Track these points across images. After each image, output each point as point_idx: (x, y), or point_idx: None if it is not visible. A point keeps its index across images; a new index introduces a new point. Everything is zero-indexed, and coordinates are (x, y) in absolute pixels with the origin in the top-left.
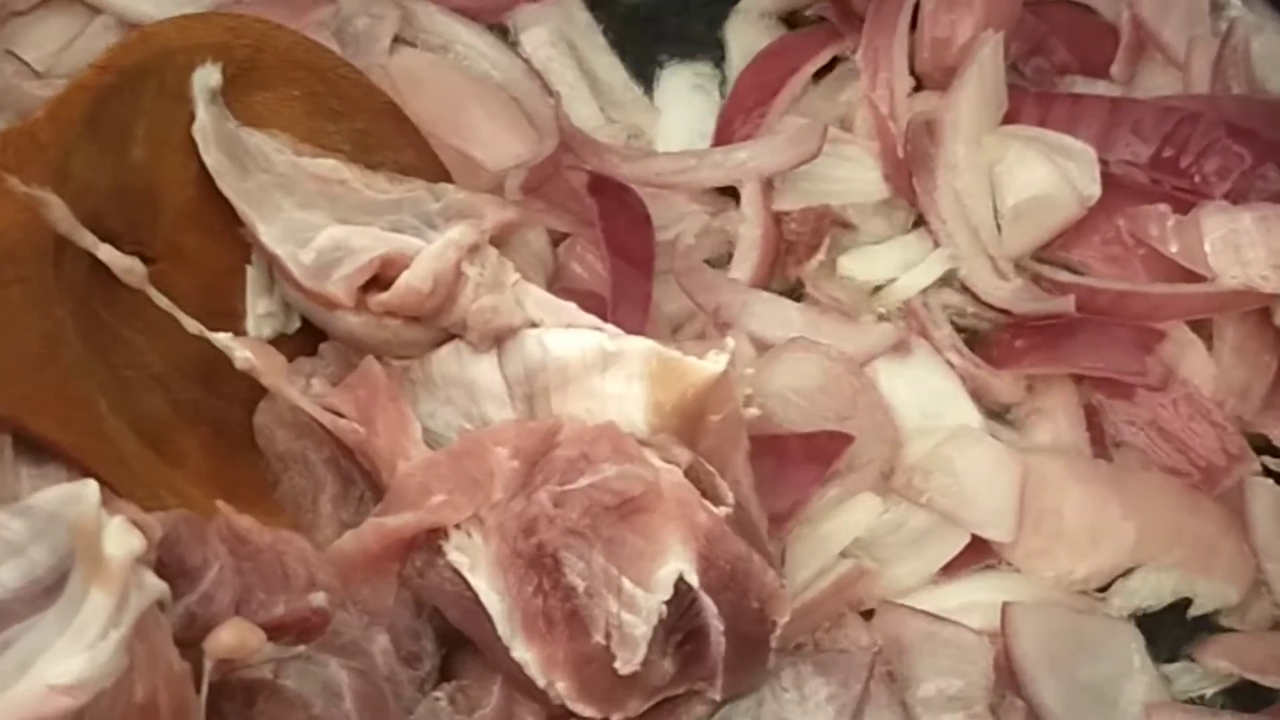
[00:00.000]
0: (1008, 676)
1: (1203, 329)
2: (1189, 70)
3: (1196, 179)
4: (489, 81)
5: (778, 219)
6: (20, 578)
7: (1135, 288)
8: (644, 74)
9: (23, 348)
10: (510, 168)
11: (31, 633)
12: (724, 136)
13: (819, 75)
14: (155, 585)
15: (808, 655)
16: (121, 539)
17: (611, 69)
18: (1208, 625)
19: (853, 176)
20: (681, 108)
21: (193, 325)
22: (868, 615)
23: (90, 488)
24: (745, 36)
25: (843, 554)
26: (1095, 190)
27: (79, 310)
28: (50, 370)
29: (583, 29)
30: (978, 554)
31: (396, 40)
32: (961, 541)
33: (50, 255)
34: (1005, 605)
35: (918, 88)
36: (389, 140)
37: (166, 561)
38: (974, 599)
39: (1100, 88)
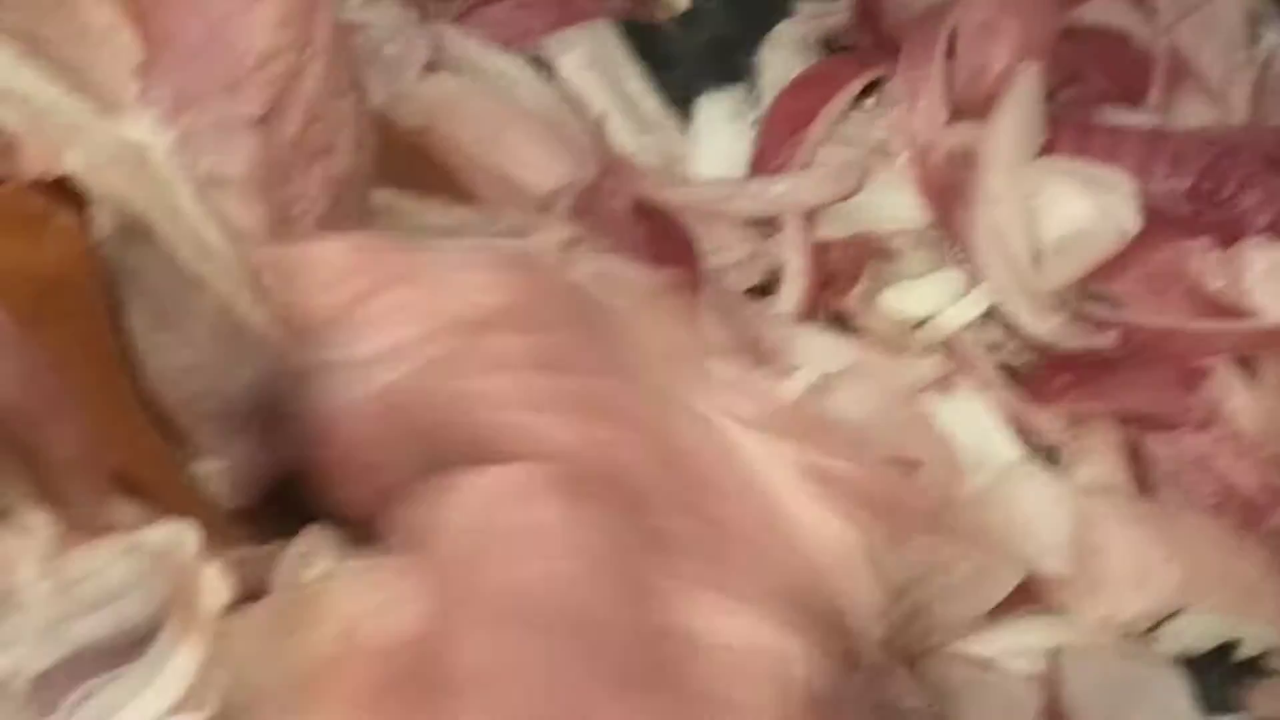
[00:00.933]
0: None
1: (1246, 366)
2: (1227, 100)
3: (1236, 212)
4: (522, 106)
5: (821, 248)
6: (113, 626)
7: (1177, 324)
8: (679, 100)
9: (81, 381)
10: (557, 189)
11: (115, 685)
12: (759, 165)
13: (854, 102)
14: None
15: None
16: (216, 588)
17: (646, 94)
18: (1255, 669)
19: (893, 204)
20: (718, 134)
21: None
22: (911, 662)
23: (190, 531)
24: (778, 63)
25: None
26: (1134, 223)
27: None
28: (108, 403)
29: (617, 54)
30: (1024, 597)
31: (427, 67)
32: (1014, 580)
33: (102, 290)
34: (1054, 650)
35: (954, 116)
36: (422, 176)
37: None
38: (1021, 643)
39: (1137, 117)
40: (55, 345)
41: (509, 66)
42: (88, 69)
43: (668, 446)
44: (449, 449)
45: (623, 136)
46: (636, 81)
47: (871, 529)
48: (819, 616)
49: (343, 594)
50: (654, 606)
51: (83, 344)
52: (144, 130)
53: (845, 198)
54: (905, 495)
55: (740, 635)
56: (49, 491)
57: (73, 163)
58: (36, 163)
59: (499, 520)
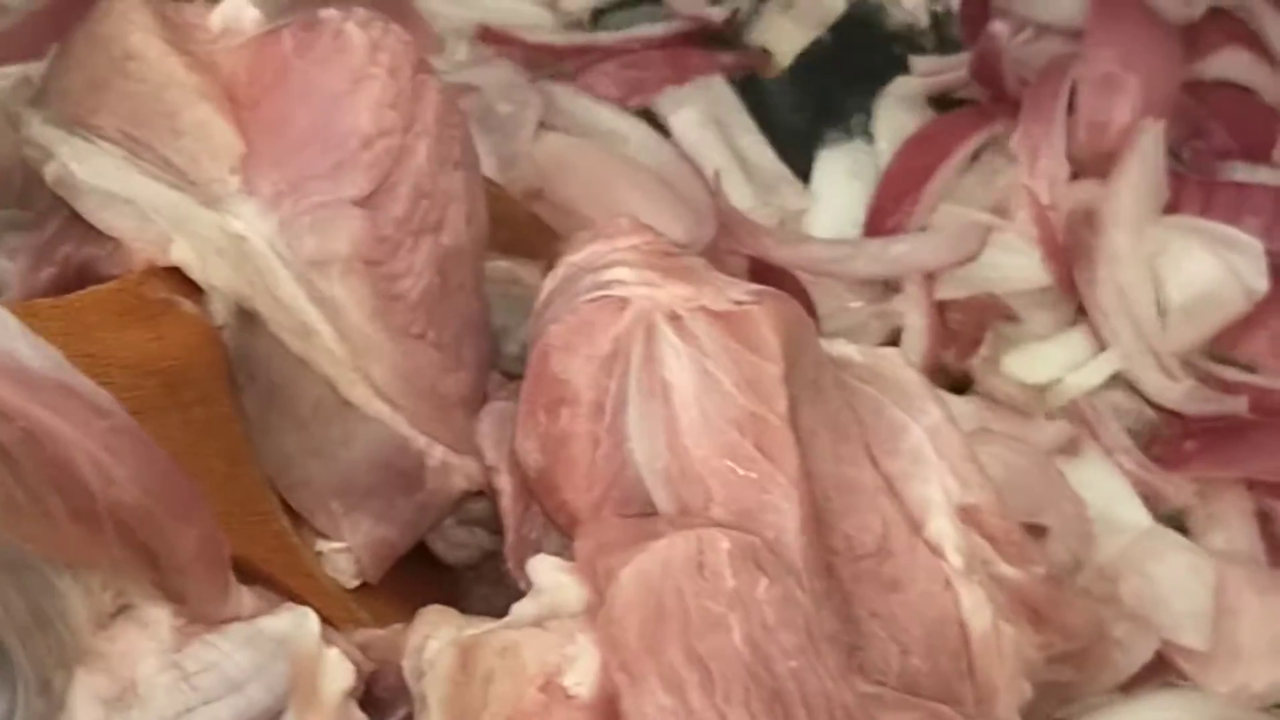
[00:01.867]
0: None
1: None
2: None
3: None
4: (637, 164)
5: (942, 309)
6: (234, 716)
7: None
8: (794, 156)
9: (208, 467)
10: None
11: None
12: (875, 224)
13: (973, 159)
14: None
15: None
16: (337, 674)
17: (761, 150)
18: None
19: (1013, 264)
20: (836, 192)
21: None
22: None
23: (311, 618)
24: (894, 120)
25: None
26: (1263, 284)
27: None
28: (235, 488)
29: (731, 109)
30: (1155, 671)
31: (540, 126)
32: (1150, 650)
33: (225, 375)
34: None
35: (1075, 175)
36: (535, 248)
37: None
38: (1156, 718)
39: (1262, 174)
40: (182, 434)
41: (621, 124)
42: (189, 166)
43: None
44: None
45: (739, 193)
46: (751, 137)
47: (1030, 636)
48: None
49: (538, 645)
50: (841, 686)
51: (209, 430)
52: (244, 220)
53: (966, 261)
54: (1065, 609)
55: None
56: (170, 586)
57: (179, 255)
58: (144, 258)
59: (681, 586)
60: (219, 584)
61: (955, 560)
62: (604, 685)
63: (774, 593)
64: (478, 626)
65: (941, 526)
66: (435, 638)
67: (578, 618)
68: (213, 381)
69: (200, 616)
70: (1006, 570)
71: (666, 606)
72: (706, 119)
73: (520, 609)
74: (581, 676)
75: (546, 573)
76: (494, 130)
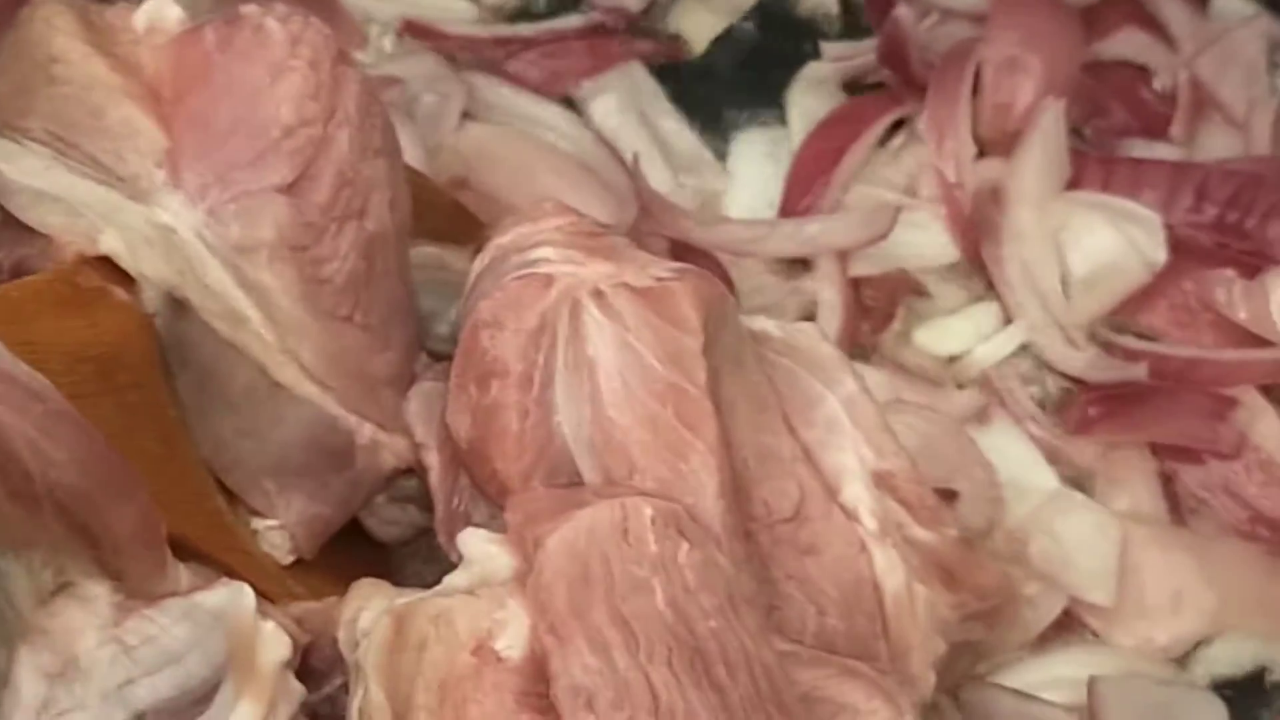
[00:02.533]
0: None
1: (1274, 394)
2: (1249, 130)
3: (1261, 242)
4: (559, 150)
5: (855, 285)
6: (174, 688)
7: (1205, 354)
8: (714, 139)
9: (143, 448)
10: None
11: None
12: (789, 205)
13: (882, 140)
14: (298, 690)
15: None
16: (273, 646)
17: (680, 133)
18: None
19: (923, 241)
20: (753, 173)
21: None
22: (956, 694)
23: (247, 592)
24: (806, 104)
25: None
26: (1162, 256)
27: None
28: (170, 468)
29: (649, 95)
30: (1063, 627)
31: (463, 116)
32: (1057, 608)
33: (158, 360)
34: (1092, 679)
35: (981, 153)
36: (461, 235)
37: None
38: (1060, 674)
39: (1160, 150)
40: (117, 417)
41: (543, 112)
42: (116, 163)
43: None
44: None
45: (659, 176)
46: (670, 121)
47: (943, 595)
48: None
49: (470, 611)
50: (760, 644)
51: (144, 413)
52: (172, 211)
53: (877, 240)
54: (976, 570)
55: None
56: (109, 564)
57: (109, 245)
58: (75, 250)
59: (606, 552)
60: (156, 561)
61: (869, 524)
62: (534, 648)
63: (694, 557)
64: (411, 596)
65: (856, 492)
66: (369, 608)
67: (508, 585)
68: (145, 366)
69: (138, 592)
70: (920, 533)
71: (592, 572)
72: (625, 105)
73: (452, 579)
74: (512, 640)
75: (477, 544)
76: (418, 121)
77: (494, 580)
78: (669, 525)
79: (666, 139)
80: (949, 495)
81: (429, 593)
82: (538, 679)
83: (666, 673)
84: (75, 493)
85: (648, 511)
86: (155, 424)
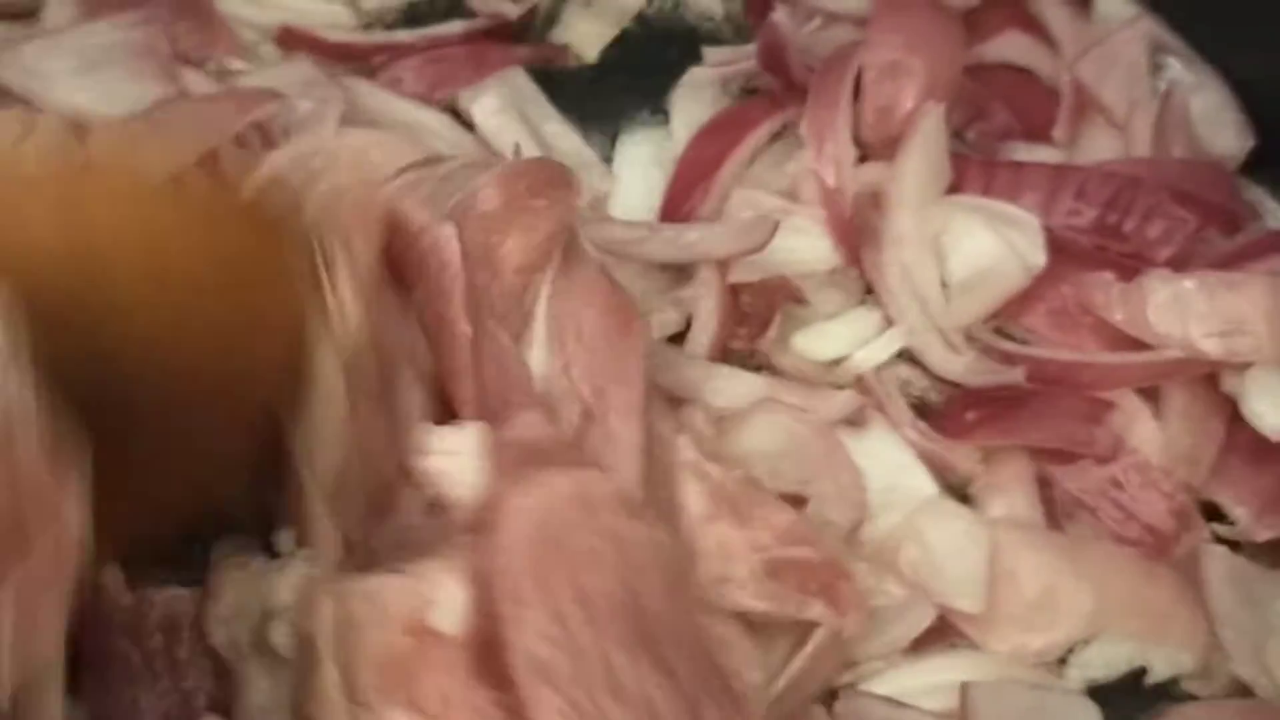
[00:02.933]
0: None
1: (1150, 397)
2: (1130, 133)
3: (1140, 244)
4: (440, 153)
5: (734, 291)
6: None
7: (1082, 357)
8: (602, 145)
9: None
10: None
11: None
12: (670, 210)
13: (765, 145)
14: None
15: None
16: None
17: (564, 135)
18: (1168, 693)
19: (803, 246)
20: (638, 177)
21: None
22: (828, 703)
23: None
24: (689, 109)
25: None
26: (1040, 259)
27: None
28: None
29: (530, 98)
30: (937, 633)
31: (343, 121)
32: (928, 616)
33: None
34: (964, 685)
35: (863, 158)
36: None
37: None
38: (934, 680)
39: (1043, 153)
40: None
41: (424, 117)
42: None
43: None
44: None
45: None
46: (554, 124)
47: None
48: None
49: (397, 588)
50: (697, 619)
51: None
52: None
53: (755, 251)
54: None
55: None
56: None
57: None
58: None
59: (569, 519)
60: None
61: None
62: (478, 621)
63: (641, 533)
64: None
65: None
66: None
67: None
68: None
69: None
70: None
71: (555, 538)
72: (505, 104)
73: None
74: (448, 616)
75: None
76: (296, 129)
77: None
78: (621, 501)
79: (550, 141)
80: (798, 501)
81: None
82: (485, 654)
83: (624, 651)
84: None
85: (607, 486)
86: None
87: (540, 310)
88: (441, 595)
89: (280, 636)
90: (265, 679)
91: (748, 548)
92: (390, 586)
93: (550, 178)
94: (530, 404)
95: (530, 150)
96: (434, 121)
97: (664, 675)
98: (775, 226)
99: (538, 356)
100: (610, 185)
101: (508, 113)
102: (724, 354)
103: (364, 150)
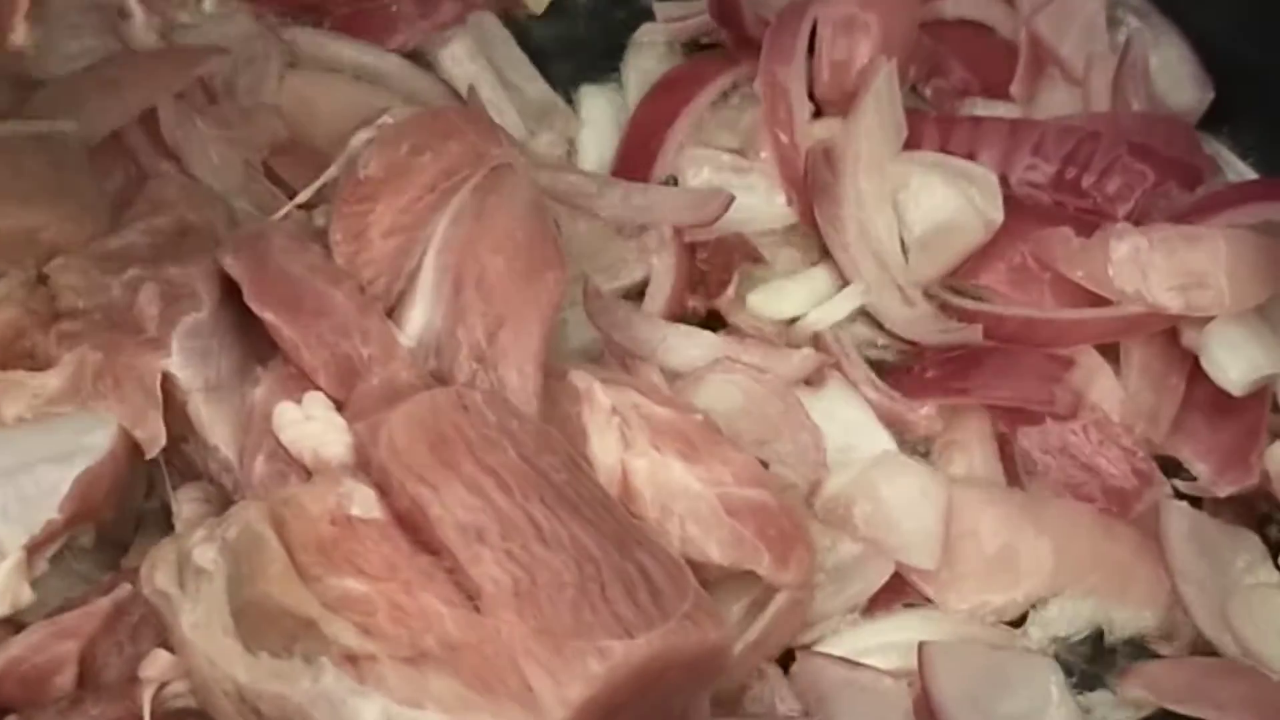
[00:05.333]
0: (927, 716)
1: (1110, 353)
2: (1088, 87)
3: (1099, 199)
4: (389, 90)
5: (690, 250)
6: None
7: (1041, 314)
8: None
9: None
10: None
11: None
12: (623, 167)
13: (718, 102)
14: None
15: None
16: None
17: (532, 80)
18: (1129, 651)
19: (759, 204)
20: (600, 127)
21: None
22: (785, 663)
23: None
24: (641, 66)
25: None
26: (999, 215)
27: None
28: None
29: (500, 44)
30: (896, 592)
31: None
32: (887, 571)
33: None
34: (922, 645)
35: (817, 114)
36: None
37: None
38: (892, 639)
39: (1000, 108)
40: None
41: (375, 60)
42: None
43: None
44: None
45: (511, 122)
46: (523, 68)
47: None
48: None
49: (311, 494)
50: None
51: None
52: None
53: (707, 224)
54: (795, 526)
55: None
56: None
57: None
58: None
59: (454, 420)
60: None
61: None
62: (395, 508)
63: (527, 427)
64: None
65: None
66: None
67: (344, 466)
68: None
69: None
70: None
71: (446, 433)
72: (475, 53)
73: None
74: (365, 507)
75: (306, 425)
76: (239, 90)
77: (331, 462)
78: (499, 403)
79: (518, 86)
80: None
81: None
82: (411, 532)
83: (543, 508)
84: None
85: (478, 394)
86: None
87: (428, 262)
88: (354, 491)
89: (203, 557)
90: (191, 603)
91: (703, 482)
92: (305, 491)
93: (441, 129)
94: (390, 360)
95: (498, 100)
96: (390, 65)
97: (587, 523)
98: (729, 201)
99: (419, 309)
100: (578, 132)
101: (477, 60)
102: (681, 313)
103: (310, 99)
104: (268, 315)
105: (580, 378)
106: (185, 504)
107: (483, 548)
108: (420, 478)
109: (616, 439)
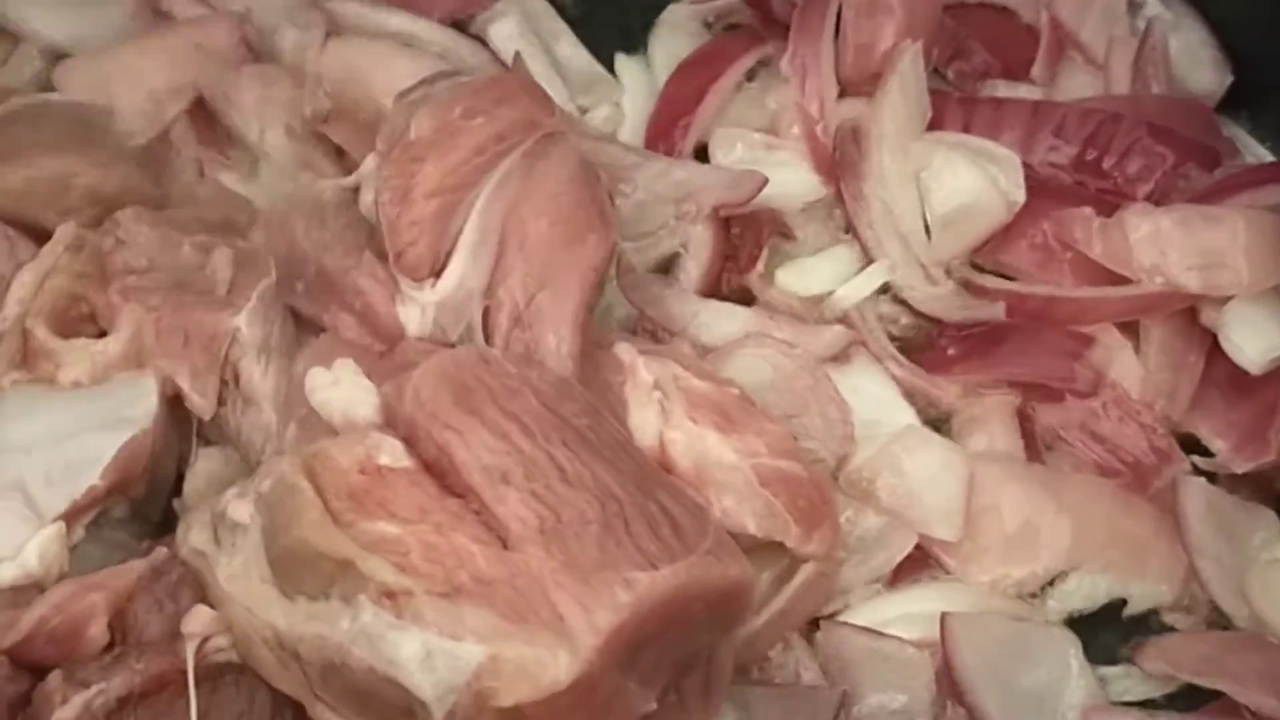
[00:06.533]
0: (948, 686)
1: (1130, 331)
2: (1109, 70)
3: (1119, 180)
4: (432, 59)
5: (725, 224)
6: None
7: (1063, 292)
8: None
9: None
10: None
11: None
12: (652, 144)
13: (744, 81)
14: None
15: (764, 686)
16: None
17: (576, 52)
18: (1147, 625)
19: (789, 179)
20: (635, 97)
21: None
22: (809, 634)
23: None
24: (669, 44)
25: None
26: (1021, 195)
27: None
28: None
29: (544, 17)
30: (918, 564)
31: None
32: (909, 543)
33: None
34: (944, 616)
35: (842, 94)
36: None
37: None
38: (914, 610)
39: (1022, 90)
40: None
41: (420, 29)
42: None
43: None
44: None
45: (558, 96)
46: (566, 41)
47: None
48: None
49: (339, 446)
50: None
51: None
52: None
53: (741, 204)
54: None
55: None
56: None
57: None
58: None
59: (475, 372)
60: None
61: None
62: (422, 456)
63: (548, 377)
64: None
65: None
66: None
67: (373, 424)
68: None
69: None
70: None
71: (469, 383)
72: (524, 28)
73: None
74: (394, 457)
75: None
76: (281, 56)
77: (359, 422)
78: (520, 359)
79: (561, 59)
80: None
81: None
82: (438, 477)
83: (565, 451)
84: None
85: (496, 352)
86: None
87: (470, 224)
88: (382, 442)
89: (238, 512)
90: (227, 556)
91: (739, 453)
92: (335, 444)
93: (496, 95)
94: (402, 335)
95: (545, 74)
96: (434, 34)
97: (608, 465)
98: (764, 183)
99: (453, 269)
100: (621, 101)
101: (526, 35)
102: (714, 288)
103: (358, 65)
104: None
105: (625, 350)
106: (199, 464)
107: (508, 489)
108: (446, 424)
109: (656, 414)
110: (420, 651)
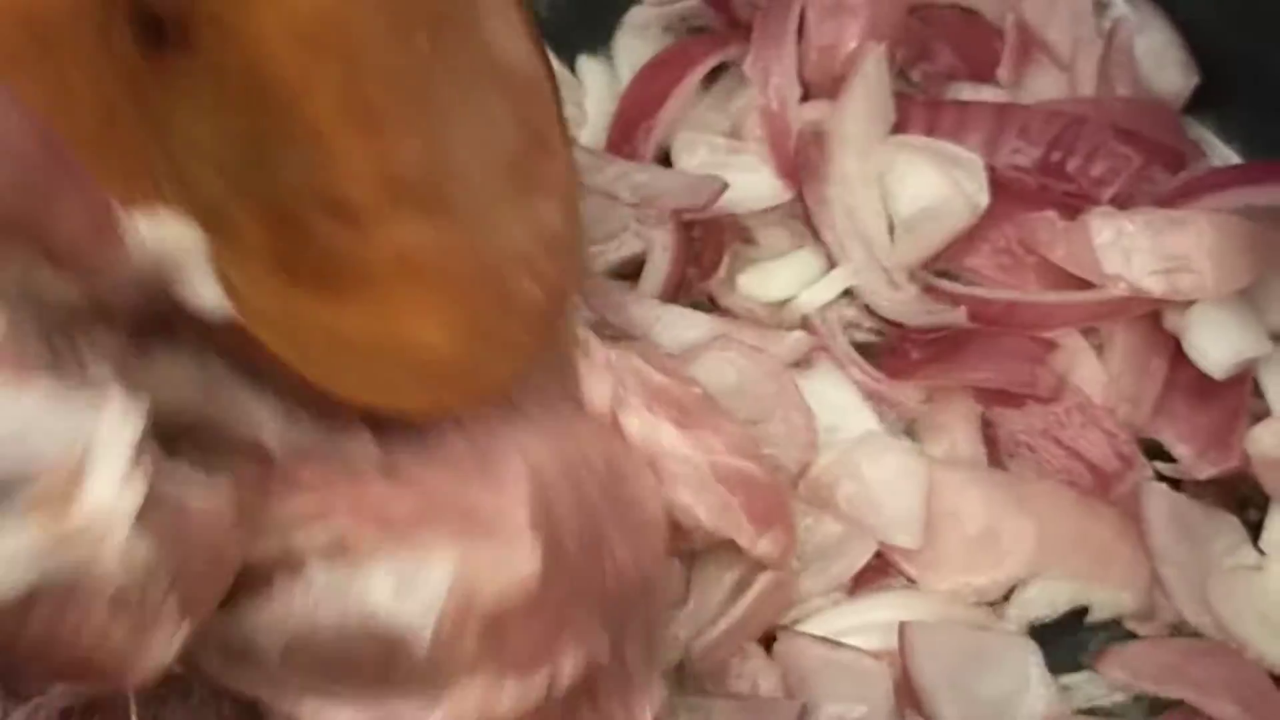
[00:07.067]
0: (907, 696)
1: (1094, 336)
2: (1074, 72)
3: (1084, 183)
4: None
5: (687, 228)
6: None
7: (1025, 297)
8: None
9: (79, 125)
10: None
11: None
12: (615, 147)
13: (707, 84)
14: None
15: (722, 698)
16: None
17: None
18: (1110, 632)
19: (752, 183)
20: (597, 99)
21: None
22: (768, 643)
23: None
24: (631, 47)
25: None
26: (984, 198)
27: (129, 90)
28: (109, 148)
29: None
30: (878, 572)
31: None
32: (869, 551)
33: (99, 30)
34: (902, 625)
35: (806, 96)
36: None
37: None
38: (872, 619)
39: (987, 92)
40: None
41: None
42: None
43: None
44: None
45: None
46: None
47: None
48: None
49: None
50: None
51: (84, 85)
52: None
53: (701, 209)
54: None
55: None
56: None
57: None
58: None
59: None
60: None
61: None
62: None
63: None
64: None
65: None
66: None
67: None
68: (85, 38)
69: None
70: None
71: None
72: None
73: None
74: None
75: None
76: None
77: None
78: None
79: None
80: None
81: None
82: None
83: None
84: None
85: None
86: (94, 100)
87: None
88: None
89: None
90: None
91: (695, 448)
92: None
93: None
94: None
95: None
96: None
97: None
98: (723, 188)
99: None
100: (583, 102)
101: None
102: (676, 293)
103: None
104: None
105: (580, 328)
106: None
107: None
108: None
109: (610, 387)
110: (392, 583)
